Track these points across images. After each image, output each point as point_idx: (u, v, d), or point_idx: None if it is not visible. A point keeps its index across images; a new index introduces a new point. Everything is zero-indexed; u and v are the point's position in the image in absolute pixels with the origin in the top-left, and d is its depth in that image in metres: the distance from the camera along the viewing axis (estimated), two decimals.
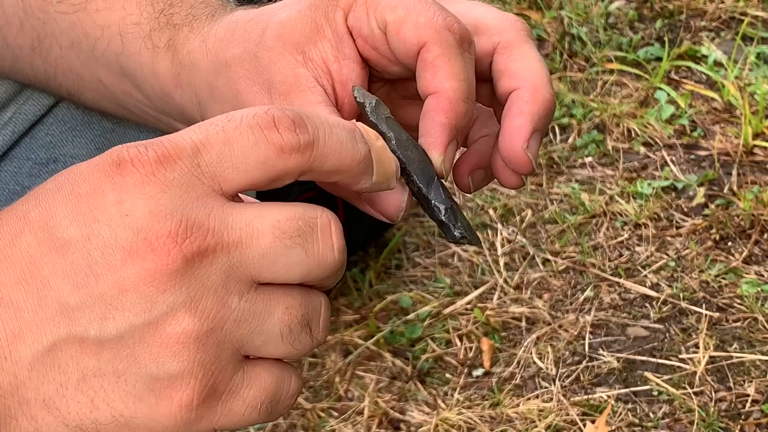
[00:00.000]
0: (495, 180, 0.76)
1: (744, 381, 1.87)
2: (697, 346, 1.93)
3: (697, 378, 1.87)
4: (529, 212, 2.23)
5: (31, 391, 0.57)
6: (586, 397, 1.86)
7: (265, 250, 0.58)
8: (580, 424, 1.81)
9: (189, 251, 0.56)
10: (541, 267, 2.11)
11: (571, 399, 1.86)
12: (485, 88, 0.75)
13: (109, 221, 0.57)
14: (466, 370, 1.93)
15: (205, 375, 0.57)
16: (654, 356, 1.93)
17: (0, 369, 0.57)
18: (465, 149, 0.77)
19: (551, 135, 2.42)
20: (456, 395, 1.88)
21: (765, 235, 2.13)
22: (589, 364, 1.92)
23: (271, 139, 0.58)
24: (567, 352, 1.95)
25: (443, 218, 0.69)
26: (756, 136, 2.34)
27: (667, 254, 2.12)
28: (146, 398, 0.57)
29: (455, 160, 0.74)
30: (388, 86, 0.78)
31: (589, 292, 2.05)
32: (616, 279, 2.08)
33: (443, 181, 0.71)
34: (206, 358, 0.57)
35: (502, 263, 2.11)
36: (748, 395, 1.84)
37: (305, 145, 0.59)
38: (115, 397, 0.57)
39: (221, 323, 0.58)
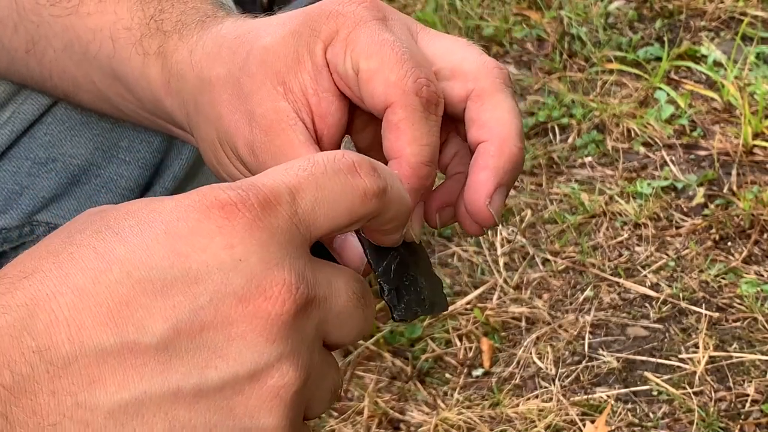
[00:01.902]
0: None
1: (744, 381, 1.87)
2: (696, 346, 1.93)
3: (696, 378, 1.87)
4: (529, 212, 2.23)
5: None
6: (585, 397, 1.86)
7: (340, 309, 0.57)
8: (580, 424, 1.81)
9: (300, 301, 0.54)
10: (541, 267, 2.11)
11: (571, 399, 1.86)
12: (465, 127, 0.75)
13: (220, 265, 0.53)
14: (465, 370, 1.93)
15: None
16: (654, 356, 1.93)
17: (70, 417, 0.52)
18: (440, 182, 0.77)
19: (551, 135, 2.42)
20: (456, 395, 1.88)
21: (765, 235, 2.13)
22: (589, 364, 1.92)
23: (356, 184, 0.57)
24: (567, 352, 1.95)
25: (385, 298, 0.68)
26: (756, 136, 2.34)
27: (666, 254, 2.12)
28: None
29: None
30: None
31: (588, 292, 2.05)
32: (616, 279, 2.08)
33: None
34: (293, 414, 0.55)
35: (501, 263, 2.11)
36: (748, 395, 1.84)
37: (382, 191, 0.58)
38: None
39: (307, 379, 0.56)
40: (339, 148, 0.74)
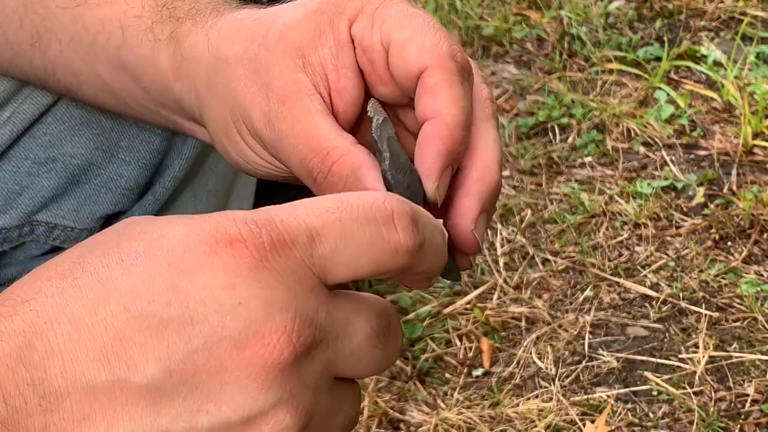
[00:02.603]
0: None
1: (744, 381, 1.87)
2: (696, 345, 1.93)
3: (696, 378, 1.87)
4: (529, 212, 2.23)
5: None
6: (585, 396, 1.86)
7: (356, 347, 0.55)
8: (580, 424, 1.81)
9: (301, 349, 0.52)
10: (541, 267, 2.11)
11: (571, 399, 1.86)
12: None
13: (218, 307, 0.52)
14: (465, 370, 1.93)
15: None
16: (654, 356, 1.93)
17: None
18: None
19: (551, 135, 2.42)
20: (456, 395, 1.88)
21: (764, 235, 2.13)
22: (589, 363, 1.92)
23: (388, 238, 0.55)
24: (567, 352, 1.95)
25: None
26: (755, 135, 2.34)
27: (666, 254, 2.12)
28: None
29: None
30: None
31: (588, 292, 2.05)
32: (616, 279, 2.08)
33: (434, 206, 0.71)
34: None
35: (501, 263, 2.11)
36: (748, 395, 1.84)
37: (417, 247, 0.55)
38: None
39: (309, 421, 0.54)
40: (354, 126, 0.74)
